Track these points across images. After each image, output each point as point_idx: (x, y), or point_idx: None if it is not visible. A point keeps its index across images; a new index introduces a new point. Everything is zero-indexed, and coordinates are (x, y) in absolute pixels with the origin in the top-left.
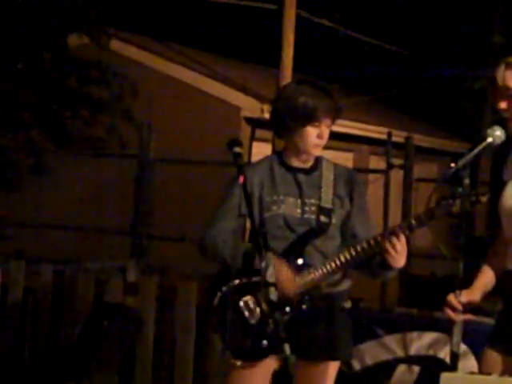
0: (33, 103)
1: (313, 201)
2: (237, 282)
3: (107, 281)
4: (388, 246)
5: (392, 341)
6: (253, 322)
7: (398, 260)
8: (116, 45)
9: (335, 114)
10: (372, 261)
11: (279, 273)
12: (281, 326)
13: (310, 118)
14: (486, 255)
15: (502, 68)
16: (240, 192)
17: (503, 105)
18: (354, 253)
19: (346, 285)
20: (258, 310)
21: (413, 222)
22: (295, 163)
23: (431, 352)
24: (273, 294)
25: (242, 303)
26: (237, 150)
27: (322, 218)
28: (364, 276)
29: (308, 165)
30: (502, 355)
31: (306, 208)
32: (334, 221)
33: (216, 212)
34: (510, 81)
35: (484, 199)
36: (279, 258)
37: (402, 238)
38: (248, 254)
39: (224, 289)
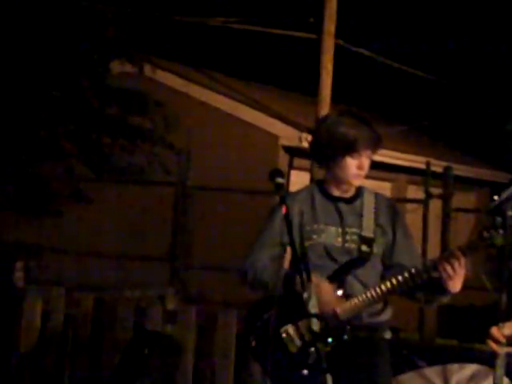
0: (72, 131)
1: (354, 230)
2: (278, 309)
3: (147, 308)
4: (447, 266)
5: (433, 372)
6: (294, 351)
7: (455, 283)
8: (156, 73)
9: (375, 145)
10: (427, 286)
11: (324, 296)
12: (323, 356)
13: (350, 148)
14: None
15: None
16: (281, 222)
17: None
18: (400, 280)
19: (387, 315)
20: (298, 338)
21: (463, 247)
22: (336, 192)
23: None
24: (315, 325)
25: (283, 331)
26: (279, 180)
27: (364, 248)
28: (415, 302)
29: (349, 194)
30: None
31: (347, 237)
32: (375, 250)
33: (256, 241)
34: None
35: None
36: (324, 281)
37: (462, 259)
38: (289, 277)
39: (265, 316)
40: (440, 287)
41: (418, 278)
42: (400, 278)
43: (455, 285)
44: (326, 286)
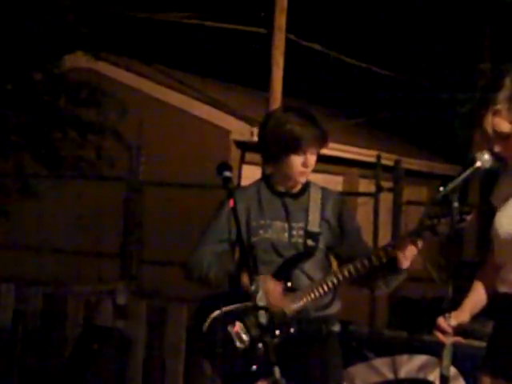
0: (22, 125)
1: (300, 224)
2: (225, 308)
3: (97, 304)
4: (410, 244)
5: (382, 364)
6: (242, 347)
7: (408, 261)
8: (105, 68)
9: (321, 143)
10: (379, 271)
11: (271, 291)
12: (271, 349)
13: (295, 146)
14: (475, 277)
15: (489, 116)
16: (228, 216)
17: (498, 148)
18: (351, 271)
19: (335, 308)
20: (246, 335)
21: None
22: (282, 188)
23: (421, 375)
24: (262, 318)
25: (230, 329)
26: (226, 174)
27: (309, 242)
28: (374, 290)
29: (295, 189)
30: (491, 378)
31: (294, 232)
32: (321, 245)
33: (202, 235)
34: (500, 125)
35: (468, 218)
36: (270, 277)
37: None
38: (233, 276)
39: (213, 315)
40: (393, 268)
41: (369, 267)
42: (358, 264)
43: (407, 263)
44: (273, 283)
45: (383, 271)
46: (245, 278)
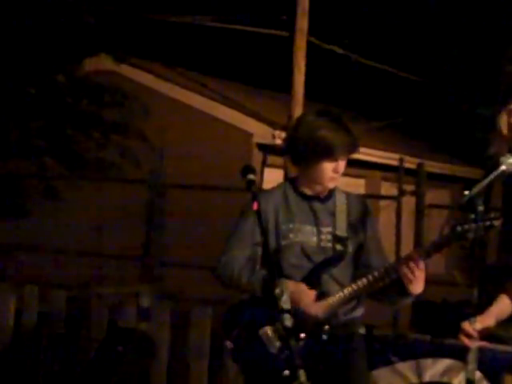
0: (44, 128)
1: (328, 229)
2: (256, 312)
3: (121, 306)
4: (406, 270)
5: (406, 367)
6: (273, 351)
7: (415, 286)
8: (129, 71)
9: (352, 150)
10: (390, 289)
11: (303, 298)
12: (295, 352)
13: (327, 153)
14: (505, 282)
15: (504, 116)
16: (254, 219)
17: None
18: (370, 279)
19: (360, 311)
20: (277, 339)
21: (428, 247)
22: (309, 192)
23: (445, 379)
24: (287, 321)
25: (262, 333)
26: (250, 177)
27: (338, 247)
28: (381, 303)
29: (322, 194)
30: None
31: (322, 236)
32: (349, 249)
33: (230, 239)
34: None
35: (497, 223)
36: (303, 285)
37: (421, 263)
38: (267, 281)
39: (244, 318)
40: (402, 289)
41: (381, 282)
42: (376, 274)
43: (416, 287)
44: (306, 291)
45: (391, 291)
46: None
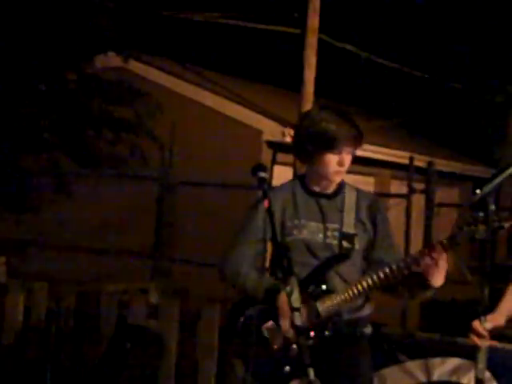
0: (56, 123)
1: (335, 226)
2: (260, 307)
3: (130, 303)
4: (429, 261)
5: (415, 366)
6: (275, 347)
7: (437, 278)
8: (139, 68)
9: (356, 142)
10: (410, 281)
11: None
12: (305, 350)
13: (330, 145)
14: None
15: None
16: (264, 216)
17: None
18: (381, 275)
19: (367, 311)
20: (280, 335)
21: (445, 241)
22: (317, 188)
23: (454, 378)
24: (297, 319)
25: (264, 329)
26: (262, 174)
27: (345, 244)
28: (398, 297)
29: (330, 190)
30: None
31: (329, 233)
32: (356, 246)
33: (237, 236)
34: None
35: (507, 225)
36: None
37: (443, 254)
38: (271, 290)
39: (247, 313)
40: (422, 282)
41: (400, 274)
42: (381, 273)
43: (437, 279)
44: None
45: (411, 282)
46: (281, 297)
